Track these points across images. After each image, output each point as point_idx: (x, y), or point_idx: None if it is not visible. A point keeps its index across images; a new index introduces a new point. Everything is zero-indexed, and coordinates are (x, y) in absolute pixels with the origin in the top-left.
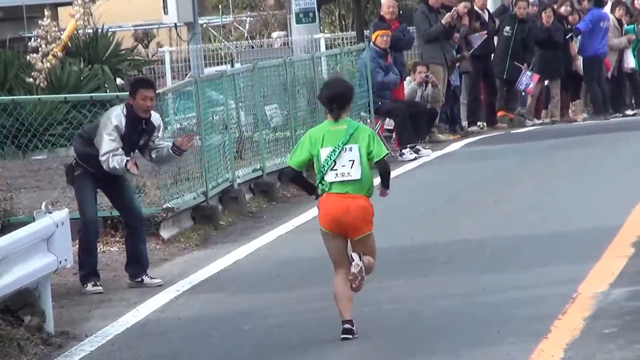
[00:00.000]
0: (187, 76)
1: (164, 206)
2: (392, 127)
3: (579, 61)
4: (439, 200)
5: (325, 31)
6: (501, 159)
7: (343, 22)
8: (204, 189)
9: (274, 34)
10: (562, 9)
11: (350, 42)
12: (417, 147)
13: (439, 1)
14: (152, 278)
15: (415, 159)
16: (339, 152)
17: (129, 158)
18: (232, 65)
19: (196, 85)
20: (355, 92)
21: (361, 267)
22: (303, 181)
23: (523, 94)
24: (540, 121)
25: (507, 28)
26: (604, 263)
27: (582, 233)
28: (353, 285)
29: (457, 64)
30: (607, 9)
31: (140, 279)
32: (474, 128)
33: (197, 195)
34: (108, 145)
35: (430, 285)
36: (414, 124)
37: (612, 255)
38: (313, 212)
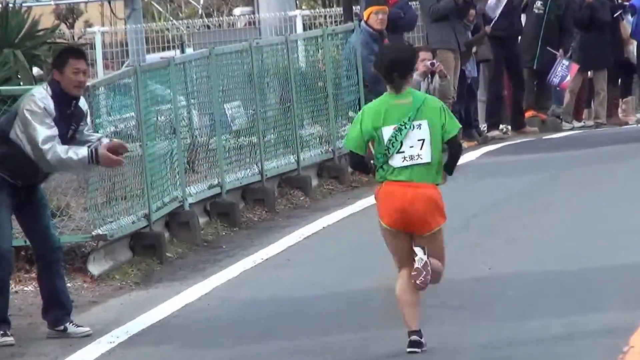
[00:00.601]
0: (124, 65)
1: (93, 233)
2: None
3: (633, 47)
4: (451, 227)
5: (303, 7)
6: (529, 174)
7: None
8: (145, 210)
9: (237, 11)
10: None
11: (336, 22)
12: None
13: None
14: (77, 326)
15: None
16: (407, 132)
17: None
18: (183, 51)
19: (136, 76)
20: (343, 86)
21: (426, 261)
22: (368, 166)
23: (558, 88)
24: (581, 124)
25: (539, 3)
26: None
27: (632, 270)
28: (417, 282)
29: (474, 50)
30: None
31: (62, 328)
32: (495, 133)
33: (137, 219)
34: (46, 131)
35: (440, 336)
36: None
37: None
38: (286, 241)
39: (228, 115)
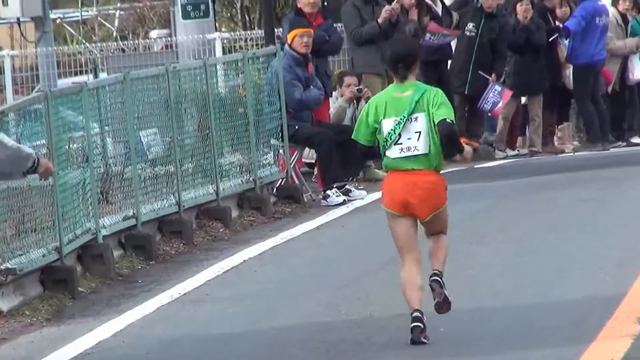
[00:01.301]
0: (35, 90)
1: (2, 267)
2: (313, 160)
3: (569, 71)
4: (377, 261)
5: (223, 29)
6: (462, 204)
7: (247, 17)
8: (56, 243)
9: (153, 33)
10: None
11: (257, 45)
12: (346, 187)
13: None
14: None
15: (344, 202)
16: (404, 124)
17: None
18: (96, 76)
19: (47, 102)
20: (264, 112)
21: (445, 295)
22: (376, 153)
23: (490, 115)
24: (516, 152)
25: (471, 26)
26: (601, 344)
27: (572, 304)
28: (442, 312)
29: None
30: (606, 0)
31: None
32: None
33: (48, 252)
34: None
35: None
36: (342, 156)
37: (613, 334)
38: (204, 275)
39: (144, 143)
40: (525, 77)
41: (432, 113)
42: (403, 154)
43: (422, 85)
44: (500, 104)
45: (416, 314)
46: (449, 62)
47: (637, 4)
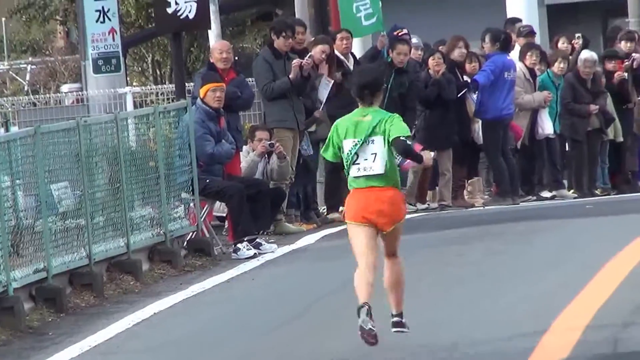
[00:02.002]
0: None
1: None
2: (224, 214)
3: (478, 125)
4: (288, 313)
5: (134, 83)
6: None
7: (158, 72)
8: None
9: (64, 87)
10: (456, 53)
11: (168, 99)
12: (257, 240)
13: (288, 44)
14: None
15: (255, 256)
16: (361, 145)
17: None
18: (7, 130)
19: None
20: (175, 166)
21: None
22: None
23: (399, 169)
24: (425, 206)
25: None
26: None
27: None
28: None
29: (313, 128)
30: (514, 54)
31: None
32: (334, 215)
33: None
34: None
35: None
36: (253, 209)
37: None
38: (115, 328)
39: (55, 196)
40: (435, 131)
41: (388, 133)
42: (361, 173)
43: (383, 111)
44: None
45: (364, 307)
46: None
47: (545, 57)
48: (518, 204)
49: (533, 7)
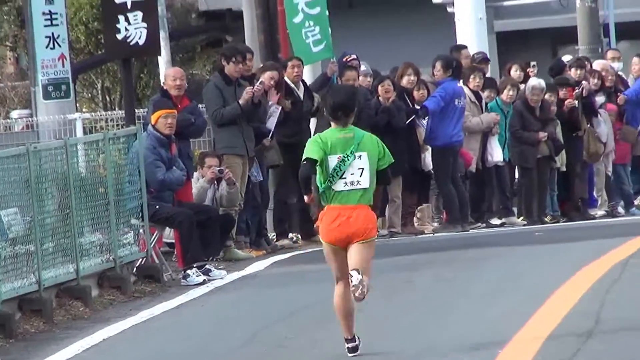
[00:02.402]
0: None
1: None
2: (173, 240)
3: (428, 152)
4: (236, 340)
5: (84, 109)
6: (322, 284)
7: (108, 98)
8: None
9: (14, 113)
10: (405, 80)
11: (118, 125)
12: (207, 266)
13: (238, 69)
14: None
15: (204, 282)
16: (350, 162)
17: None
18: None
19: None
20: (125, 192)
21: (360, 279)
22: (309, 181)
23: None
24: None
25: None
26: None
27: None
28: (357, 294)
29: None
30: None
31: None
32: (284, 242)
33: None
34: None
35: None
36: (203, 236)
37: None
38: (64, 354)
39: (4, 222)
40: None
41: (378, 160)
42: (347, 187)
43: (359, 129)
44: None
45: (351, 344)
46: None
47: (494, 84)
48: (468, 231)
49: (483, 33)
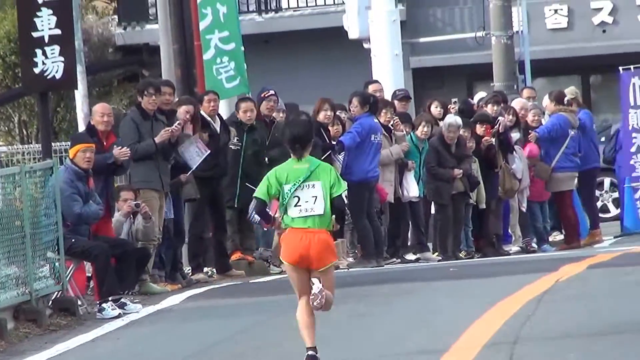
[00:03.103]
0: None
1: None
2: (89, 273)
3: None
4: None
5: (1, 143)
6: (236, 318)
7: (25, 132)
8: None
9: None
10: (321, 115)
11: (34, 158)
12: (122, 300)
13: (153, 102)
14: None
15: (119, 316)
16: (297, 187)
17: None
18: None
19: None
20: (42, 225)
21: (321, 288)
22: (266, 212)
23: (264, 230)
24: None
25: (235, 139)
26: None
27: None
28: (315, 304)
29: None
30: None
31: None
32: (199, 276)
33: None
34: None
35: None
36: (118, 269)
37: None
38: None
39: None
40: None
41: (331, 188)
42: (302, 214)
43: (315, 159)
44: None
45: (311, 352)
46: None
47: (409, 119)
48: (382, 266)
49: (399, 70)
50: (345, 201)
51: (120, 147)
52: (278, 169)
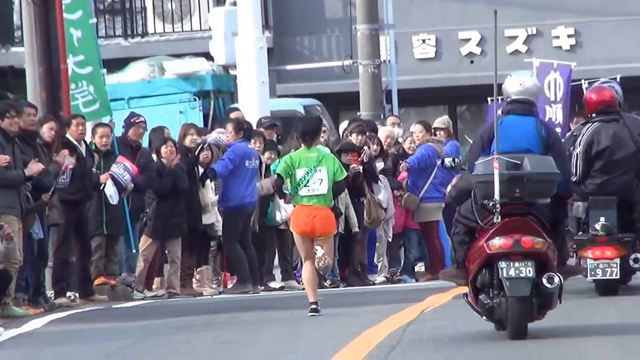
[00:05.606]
0: None
1: None
2: None
3: (209, 215)
4: None
5: None
6: (99, 343)
7: None
8: None
9: None
10: (188, 140)
11: None
12: None
13: (14, 123)
14: None
15: None
16: (312, 174)
17: None
18: None
19: None
20: None
21: (324, 253)
22: (283, 191)
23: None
24: (153, 293)
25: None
26: None
27: None
28: (321, 264)
29: (47, 213)
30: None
31: None
32: (62, 300)
33: None
34: None
35: None
36: None
37: None
38: None
39: None
40: (166, 220)
41: (334, 173)
42: (309, 193)
43: (322, 149)
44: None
45: (313, 306)
46: (88, 203)
47: (275, 147)
48: (258, 293)
49: (265, 97)
50: (344, 184)
51: None
52: (292, 155)
